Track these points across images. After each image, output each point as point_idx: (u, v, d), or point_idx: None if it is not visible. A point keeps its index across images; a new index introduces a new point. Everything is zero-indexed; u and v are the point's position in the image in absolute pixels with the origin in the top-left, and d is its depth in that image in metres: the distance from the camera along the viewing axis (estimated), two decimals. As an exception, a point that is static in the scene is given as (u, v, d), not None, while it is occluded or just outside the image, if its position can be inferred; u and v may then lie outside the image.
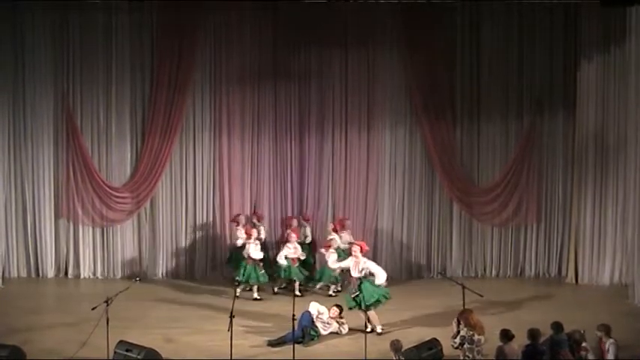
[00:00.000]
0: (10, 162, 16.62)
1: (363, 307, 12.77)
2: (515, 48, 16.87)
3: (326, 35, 16.82)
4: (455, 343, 10.95)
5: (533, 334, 10.46)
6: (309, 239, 16.54)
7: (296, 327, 12.14)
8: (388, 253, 17.13)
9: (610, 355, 10.59)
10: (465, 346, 10.80)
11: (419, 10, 16.22)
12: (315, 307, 13.09)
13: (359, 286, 12.96)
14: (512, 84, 16.98)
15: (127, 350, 11.04)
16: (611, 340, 10.67)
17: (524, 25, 16.79)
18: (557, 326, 10.78)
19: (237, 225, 16.16)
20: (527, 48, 16.83)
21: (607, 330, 10.75)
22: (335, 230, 15.87)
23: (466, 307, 11.87)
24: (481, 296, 14.85)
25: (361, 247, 13.30)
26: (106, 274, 16.90)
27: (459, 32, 16.93)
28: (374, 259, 16.76)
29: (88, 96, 16.72)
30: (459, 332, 10.95)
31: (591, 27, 16.21)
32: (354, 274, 13.12)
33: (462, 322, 10.96)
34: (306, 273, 15.77)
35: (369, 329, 12.61)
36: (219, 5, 16.37)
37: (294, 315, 11.69)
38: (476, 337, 10.78)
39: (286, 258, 15.37)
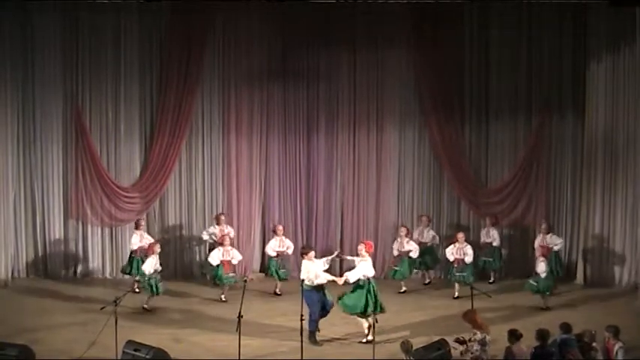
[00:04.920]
0: (19, 162, 16.65)
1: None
2: (524, 48, 16.81)
3: (335, 35, 16.82)
4: (476, 351, 10.58)
5: (542, 334, 10.42)
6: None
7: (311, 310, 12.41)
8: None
9: (619, 357, 10.54)
10: (480, 347, 10.65)
11: (428, 10, 16.20)
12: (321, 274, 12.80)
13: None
14: (521, 84, 16.92)
15: (135, 350, 11.03)
16: (620, 344, 10.59)
17: (533, 24, 16.73)
18: (565, 327, 10.75)
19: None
20: (536, 48, 16.76)
21: (616, 331, 10.69)
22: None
23: (474, 308, 11.83)
24: (489, 296, 14.88)
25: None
26: (114, 274, 16.93)
27: (468, 32, 16.90)
28: (382, 258, 16.85)
29: (97, 96, 16.75)
30: (468, 340, 10.74)
31: (600, 27, 16.15)
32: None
33: (471, 325, 10.84)
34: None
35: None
36: (228, 6, 16.37)
37: (302, 315, 11.69)
38: (487, 337, 10.71)
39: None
